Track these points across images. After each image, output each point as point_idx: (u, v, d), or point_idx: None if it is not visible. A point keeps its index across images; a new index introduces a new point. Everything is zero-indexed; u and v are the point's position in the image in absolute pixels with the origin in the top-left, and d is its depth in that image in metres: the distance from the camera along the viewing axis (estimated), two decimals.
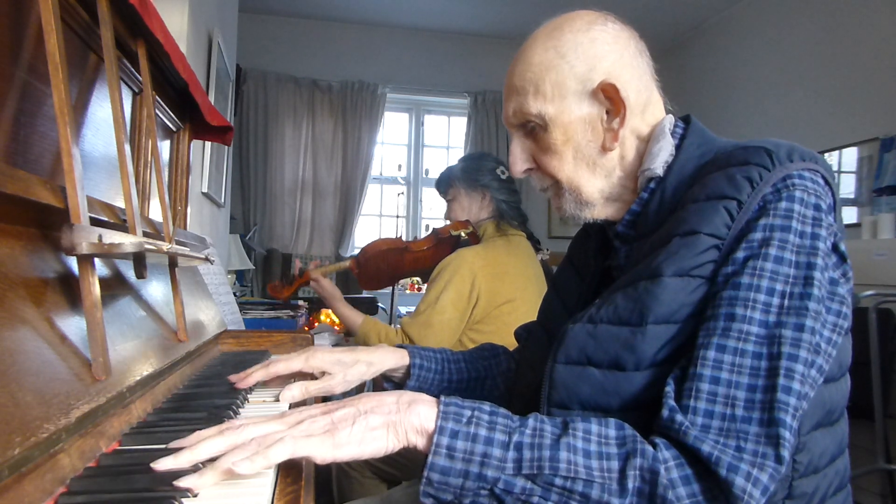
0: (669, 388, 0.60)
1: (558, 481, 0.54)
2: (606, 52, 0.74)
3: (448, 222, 1.85)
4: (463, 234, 1.76)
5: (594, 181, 0.77)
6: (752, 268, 0.61)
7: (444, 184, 1.85)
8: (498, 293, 1.64)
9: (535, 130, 0.77)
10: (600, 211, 0.79)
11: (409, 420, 0.57)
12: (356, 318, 1.73)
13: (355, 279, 1.86)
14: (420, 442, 0.57)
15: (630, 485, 0.53)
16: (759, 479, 0.53)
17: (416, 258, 1.84)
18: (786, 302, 0.59)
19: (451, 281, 1.62)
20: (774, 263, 0.60)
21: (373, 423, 0.57)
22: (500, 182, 1.77)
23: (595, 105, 0.74)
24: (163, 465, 0.51)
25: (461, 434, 0.56)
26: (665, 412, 0.58)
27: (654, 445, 0.56)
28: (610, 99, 0.74)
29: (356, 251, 5.00)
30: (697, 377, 0.58)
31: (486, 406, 0.59)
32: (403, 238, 1.98)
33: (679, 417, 0.57)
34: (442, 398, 0.59)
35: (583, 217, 0.80)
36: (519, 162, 0.80)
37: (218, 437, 0.54)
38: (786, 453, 0.54)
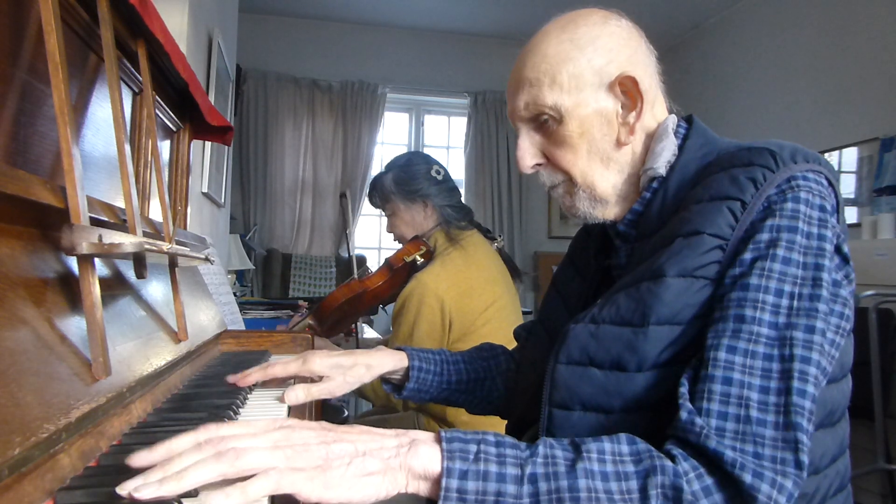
0: (684, 389, 0.59)
1: None
2: (623, 45, 0.74)
3: (392, 236, 1.74)
4: (418, 259, 1.64)
5: (608, 176, 0.76)
6: (760, 269, 0.60)
7: (379, 198, 1.71)
8: (469, 310, 1.56)
9: (548, 123, 0.75)
10: (612, 209, 0.78)
11: (411, 465, 0.52)
12: None
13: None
14: (423, 488, 0.53)
15: None
16: (784, 486, 0.52)
17: (374, 295, 1.73)
18: (795, 303, 0.59)
19: (420, 313, 1.52)
20: (782, 265, 0.60)
21: (369, 468, 0.51)
22: (438, 185, 1.64)
23: (611, 98, 0.74)
24: (140, 491, 0.45)
25: (470, 473, 0.52)
26: (683, 414, 0.57)
27: (672, 458, 0.55)
28: (626, 93, 0.74)
29: (356, 251, 4.99)
30: (709, 378, 0.57)
31: (490, 436, 0.56)
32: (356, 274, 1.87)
33: (699, 420, 0.55)
34: (442, 434, 0.55)
35: (595, 216, 0.78)
36: (528, 156, 0.78)
37: (196, 452, 0.48)
38: (805, 458, 0.53)
